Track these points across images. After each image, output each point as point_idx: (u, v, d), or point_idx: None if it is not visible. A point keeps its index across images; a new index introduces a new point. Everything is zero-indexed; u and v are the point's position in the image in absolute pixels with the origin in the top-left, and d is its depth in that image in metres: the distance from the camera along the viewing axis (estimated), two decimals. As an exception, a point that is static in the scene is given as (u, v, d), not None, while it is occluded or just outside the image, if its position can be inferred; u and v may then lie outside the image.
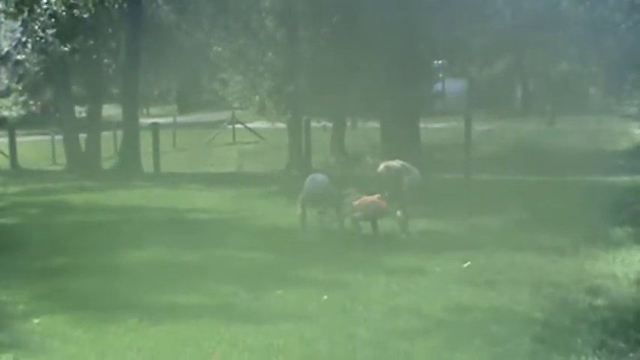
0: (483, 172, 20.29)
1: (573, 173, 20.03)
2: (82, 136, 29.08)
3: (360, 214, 13.02)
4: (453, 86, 46.06)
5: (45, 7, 27.23)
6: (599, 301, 8.95)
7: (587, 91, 41.74)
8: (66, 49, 27.06)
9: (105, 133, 30.50)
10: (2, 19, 29.66)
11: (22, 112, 37.48)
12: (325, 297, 9.41)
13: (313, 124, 25.37)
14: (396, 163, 13.65)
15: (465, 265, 10.87)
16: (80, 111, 31.54)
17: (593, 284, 9.64)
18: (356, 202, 13.13)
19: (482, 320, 8.37)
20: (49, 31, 27.14)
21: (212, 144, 37.11)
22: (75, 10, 27.43)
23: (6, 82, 34.66)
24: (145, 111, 54.65)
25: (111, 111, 35.84)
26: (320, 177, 13.77)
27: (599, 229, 12.90)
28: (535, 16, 35.54)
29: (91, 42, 27.98)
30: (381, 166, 13.69)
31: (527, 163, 22.15)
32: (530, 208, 15.01)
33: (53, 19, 27.21)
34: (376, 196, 13.17)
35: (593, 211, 13.91)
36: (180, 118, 46.27)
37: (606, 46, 29.74)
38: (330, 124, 30.37)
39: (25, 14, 27.97)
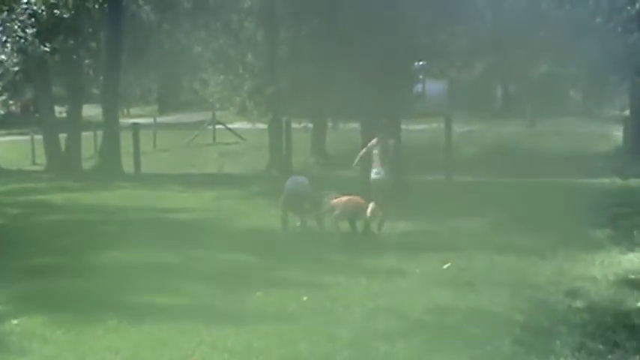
0: (464, 174, 20.37)
1: (553, 175, 20.11)
2: (62, 136, 28.98)
3: (338, 212, 13.06)
4: (434, 88, 46.07)
5: (25, 6, 27.10)
6: (579, 303, 8.98)
7: (568, 94, 41.85)
8: (46, 48, 26.94)
9: (85, 134, 30.40)
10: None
11: (2, 111, 37.27)
12: (305, 298, 9.40)
13: (294, 124, 25.38)
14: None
15: (445, 266, 10.90)
16: (60, 111, 31.41)
17: (573, 286, 9.69)
18: (334, 201, 13.18)
19: (462, 322, 8.38)
20: (29, 31, 27.01)
21: (192, 145, 37.04)
22: (55, 10, 27.29)
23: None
24: (125, 111, 54.41)
25: (91, 111, 35.74)
26: (300, 179, 13.80)
27: (579, 231, 12.97)
28: (515, 18, 35.59)
29: (72, 42, 27.90)
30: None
31: (508, 165, 22.22)
32: (511, 210, 15.05)
33: (33, 19, 27.10)
34: (353, 196, 13.28)
35: (573, 213, 13.96)
36: (161, 119, 46.17)
37: (587, 48, 29.81)
38: (310, 125, 30.38)
39: (5, 14, 27.82)
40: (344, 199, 13.23)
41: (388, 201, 13.56)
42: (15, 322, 8.84)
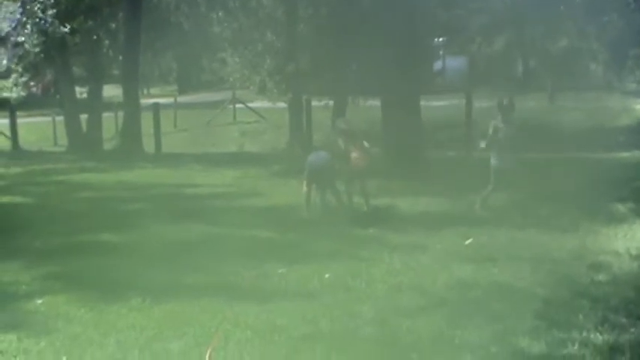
0: (484, 150, 20.24)
1: (574, 150, 20.01)
2: (83, 117, 29.08)
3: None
4: (454, 63, 45.91)
5: (44, -13, 27.13)
6: (601, 277, 8.97)
7: (588, 68, 41.59)
8: (66, 29, 26.97)
9: (106, 114, 30.51)
10: (2, 1, 29.54)
11: (23, 93, 37.39)
12: (327, 275, 9.43)
13: (314, 102, 25.34)
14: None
15: (467, 242, 10.90)
16: (81, 92, 31.49)
17: (595, 260, 9.67)
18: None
19: (484, 297, 8.39)
20: (49, 12, 27.03)
21: (213, 124, 37.07)
22: (74, -9, 27.32)
23: (6, 63, 34.53)
24: (145, 91, 54.55)
25: (112, 92, 35.79)
26: (322, 153, 13.77)
27: (601, 205, 12.92)
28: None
29: (91, 22, 27.93)
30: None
31: (528, 140, 22.07)
32: (532, 186, 14.97)
33: (52, 0, 27.11)
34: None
35: (594, 187, 13.91)
36: (181, 99, 46.24)
37: (607, 22, 29.64)
38: (331, 103, 30.34)
39: (25, -5, 27.88)
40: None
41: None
42: (39, 301, 8.92)
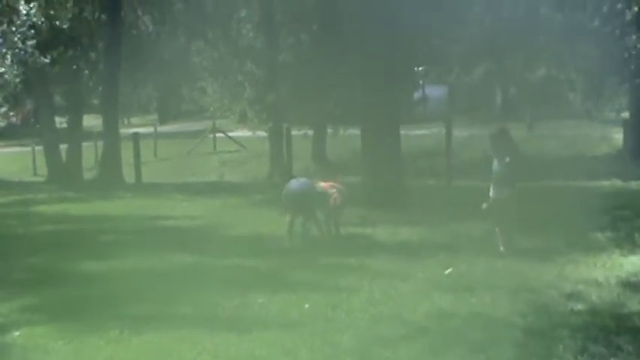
0: (464, 179, 20.34)
1: (553, 178, 20.12)
2: (63, 146, 29.02)
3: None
4: (434, 92, 46.13)
5: (24, 18, 27.17)
6: (580, 306, 8.98)
7: (567, 97, 41.90)
8: (46, 60, 27.00)
9: (86, 144, 30.45)
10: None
11: (2, 123, 37.34)
12: (307, 305, 9.40)
13: (294, 132, 25.40)
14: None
15: (447, 271, 10.90)
16: (61, 121, 31.48)
17: (574, 289, 9.69)
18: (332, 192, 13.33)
19: (464, 327, 8.38)
20: (29, 42, 27.06)
21: (193, 153, 37.07)
22: (54, 21, 27.37)
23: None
24: (125, 121, 54.54)
25: (92, 121, 35.78)
26: (303, 180, 13.76)
27: (580, 234, 12.96)
28: (514, 22, 35.64)
29: (71, 52, 27.95)
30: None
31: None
32: (511, 214, 15.02)
33: (33, 30, 27.15)
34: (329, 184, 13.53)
35: (574, 216, 13.97)
36: (161, 128, 46.30)
37: (585, 51, 29.86)
38: (310, 132, 30.42)
39: (4, 26, 27.90)
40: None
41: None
42: (17, 333, 8.84)
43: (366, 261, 11.78)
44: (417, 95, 33.52)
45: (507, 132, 12.39)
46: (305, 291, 10.08)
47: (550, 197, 17.21)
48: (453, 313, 8.88)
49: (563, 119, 38.08)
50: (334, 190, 13.35)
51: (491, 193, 12.29)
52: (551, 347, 7.60)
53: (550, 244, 12.34)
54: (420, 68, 37.28)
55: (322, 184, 13.52)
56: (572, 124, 36.36)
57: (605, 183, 19.80)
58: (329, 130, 31.35)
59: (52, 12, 27.50)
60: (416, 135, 28.25)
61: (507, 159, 11.94)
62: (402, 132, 18.56)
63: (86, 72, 29.61)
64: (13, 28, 27.67)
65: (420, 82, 40.71)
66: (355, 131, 20.80)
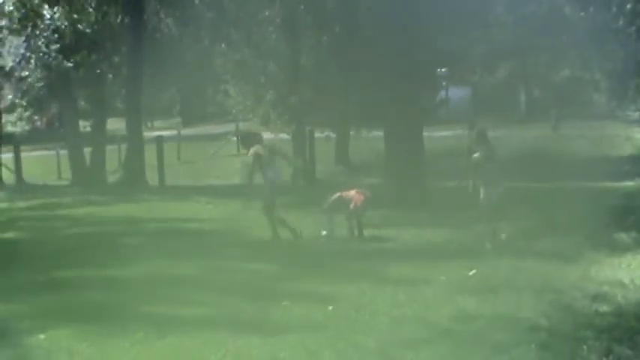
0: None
1: (578, 179, 19.98)
2: (87, 150, 29.16)
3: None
4: (457, 94, 46.02)
5: (48, 22, 27.35)
6: (605, 308, 8.91)
7: (591, 97, 41.71)
8: (69, 64, 27.15)
9: (109, 147, 30.56)
10: (6, 36, 29.77)
11: (27, 127, 37.56)
12: (330, 307, 9.39)
13: (317, 134, 25.40)
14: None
15: (471, 273, 10.85)
16: (84, 125, 31.62)
17: (599, 291, 9.62)
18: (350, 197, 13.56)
19: (488, 328, 8.34)
20: (53, 47, 27.24)
21: (216, 156, 37.13)
22: (78, 25, 27.52)
23: (10, 97, 34.74)
24: (149, 124, 54.76)
25: (115, 125, 35.92)
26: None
27: (605, 234, 12.88)
28: (537, 21, 35.53)
29: (94, 56, 28.09)
30: None
31: (532, 170, 22.11)
32: (535, 215, 14.97)
33: (56, 35, 27.32)
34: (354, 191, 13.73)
35: (598, 216, 13.88)
36: (185, 131, 46.37)
37: (609, 51, 29.71)
38: (333, 135, 30.38)
39: (29, 30, 28.10)
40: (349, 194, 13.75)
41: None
42: (42, 336, 8.88)
43: (390, 263, 11.77)
44: (439, 96, 33.41)
45: (486, 134, 13.16)
46: (329, 293, 10.07)
47: (574, 198, 17.09)
48: (476, 315, 8.84)
49: (588, 120, 37.84)
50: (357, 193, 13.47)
51: (482, 195, 12.80)
52: (576, 349, 7.55)
53: (574, 244, 12.27)
54: (443, 70, 37.20)
55: (345, 194, 13.68)
56: (597, 124, 36.12)
57: (630, 183, 19.65)
58: (351, 133, 31.33)
59: (75, 16, 27.65)
60: (439, 136, 28.14)
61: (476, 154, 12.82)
62: (425, 133, 18.53)
63: (109, 75, 29.73)
64: (37, 33, 27.86)
65: (443, 83, 40.64)
66: (378, 133, 20.76)
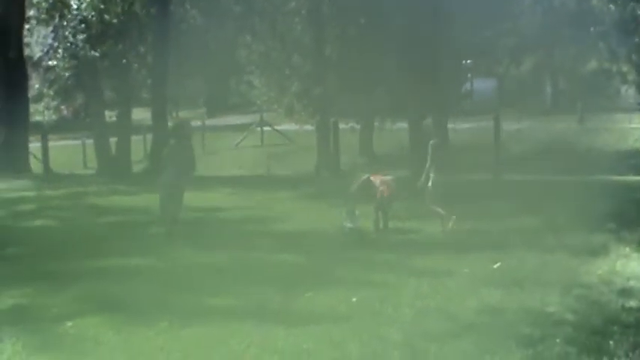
0: (513, 173, 20.17)
1: (604, 173, 19.85)
2: (113, 140, 29.28)
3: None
4: (482, 85, 45.77)
5: (75, 12, 27.47)
6: (632, 303, 8.87)
7: (618, 89, 41.37)
8: (96, 53, 27.28)
9: (135, 137, 30.66)
10: (34, 26, 29.95)
11: (54, 116, 37.78)
12: (354, 299, 9.40)
13: (341, 125, 25.36)
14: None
15: (495, 266, 10.83)
16: (110, 115, 31.75)
17: (626, 285, 9.58)
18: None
19: (513, 322, 8.33)
20: (80, 37, 27.37)
21: (241, 147, 37.19)
22: (104, 15, 27.63)
23: (38, 87, 34.96)
24: (174, 114, 54.84)
25: (141, 115, 36.04)
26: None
27: (632, 229, 12.79)
28: (564, 13, 35.30)
29: (121, 46, 28.19)
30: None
31: (558, 163, 21.99)
32: (561, 209, 14.87)
33: (83, 25, 27.44)
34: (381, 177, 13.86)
35: (625, 210, 13.80)
36: (209, 121, 46.44)
37: (637, 43, 29.51)
38: (358, 126, 30.34)
39: (56, 20, 28.25)
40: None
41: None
42: (69, 324, 8.96)
43: (414, 255, 11.77)
44: (464, 88, 33.24)
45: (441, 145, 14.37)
46: (353, 285, 10.09)
47: (601, 192, 16.97)
48: (501, 308, 8.83)
49: (615, 112, 37.55)
50: (383, 182, 13.46)
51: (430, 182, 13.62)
52: (602, 344, 7.52)
53: (601, 239, 12.20)
54: (468, 61, 37.05)
55: (373, 178, 13.68)
56: (624, 117, 35.84)
57: (658, 177, 19.54)
58: (376, 124, 31.26)
59: (102, 6, 27.74)
60: (464, 128, 28.01)
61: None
62: (450, 125, 18.48)
63: (135, 65, 29.81)
64: (65, 23, 28.01)
65: (468, 75, 40.44)
66: (402, 124, 20.72)
